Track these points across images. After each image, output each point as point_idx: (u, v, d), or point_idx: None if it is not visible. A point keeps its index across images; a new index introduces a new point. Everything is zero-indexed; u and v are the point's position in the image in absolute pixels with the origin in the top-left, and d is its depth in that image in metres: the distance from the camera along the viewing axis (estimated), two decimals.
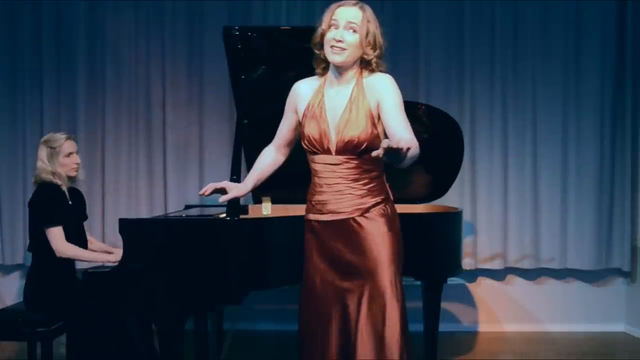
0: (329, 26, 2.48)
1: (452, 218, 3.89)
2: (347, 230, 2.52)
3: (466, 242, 4.77)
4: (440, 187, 4.26)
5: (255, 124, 3.49)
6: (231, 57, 3.57)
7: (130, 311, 3.20)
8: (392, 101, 2.48)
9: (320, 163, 2.54)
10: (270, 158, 2.74)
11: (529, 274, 5.14)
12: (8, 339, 3.59)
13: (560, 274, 5.13)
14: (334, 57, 2.47)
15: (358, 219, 2.52)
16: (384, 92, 2.49)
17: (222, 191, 2.66)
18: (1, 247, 5.06)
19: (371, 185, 2.53)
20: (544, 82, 5.01)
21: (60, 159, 3.54)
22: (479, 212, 5.03)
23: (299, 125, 2.61)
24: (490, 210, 5.02)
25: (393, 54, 4.97)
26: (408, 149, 2.11)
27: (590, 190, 5.01)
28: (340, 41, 2.45)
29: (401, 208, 4.15)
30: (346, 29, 2.46)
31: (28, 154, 4.99)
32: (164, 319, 3.08)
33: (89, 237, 3.80)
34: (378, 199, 2.54)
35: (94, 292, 3.08)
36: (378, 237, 2.51)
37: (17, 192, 5.04)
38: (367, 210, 2.52)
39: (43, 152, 3.55)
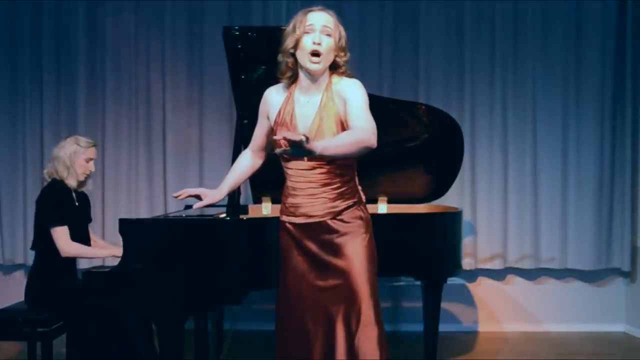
0: (304, 32, 2.49)
1: (452, 218, 3.89)
2: (320, 232, 2.56)
3: (466, 242, 4.77)
4: (440, 187, 4.26)
5: (255, 124, 3.48)
6: (231, 57, 3.56)
7: (130, 311, 3.20)
8: (355, 99, 2.49)
9: (292, 168, 2.57)
10: (246, 163, 2.78)
11: (529, 274, 5.14)
12: (8, 339, 3.59)
13: (560, 274, 5.13)
14: (313, 66, 2.49)
15: (330, 221, 2.55)
16: (350, 94, 2.51)
17: (198, 196, 2.71)
18: (1, 247, 5.07)
19: (343, 189, 2.57)
20: (544, 82, 5.02)
21: (81, 159, 3.59)
22: (479, 212, 5.03)
23: (271, 131, 2.65)
24: (490, 210, 5.03)
25: (393, 54, 5.00)
26: (298, 140, 2.12)
27: (590, 190, 5.01)
28: (319, 44, 2.47)
29: (401, 208, 4.21)
30: (322, 33, 2.49)
31: (28, 154, 5.01)
32: (164, 319, 3.08)
33: (94, 238, 3.82)
34: (350, 202, 2.58)
35: (94, 292, 3.08)
36: (351, 238, 2.55)
37: (17, 193, 5.05)
38: (340, 213, 2.56)
39: (70, 146, 3.59)
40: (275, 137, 2.18)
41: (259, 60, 3.67)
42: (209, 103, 5.04)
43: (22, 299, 3.59)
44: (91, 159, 3.65)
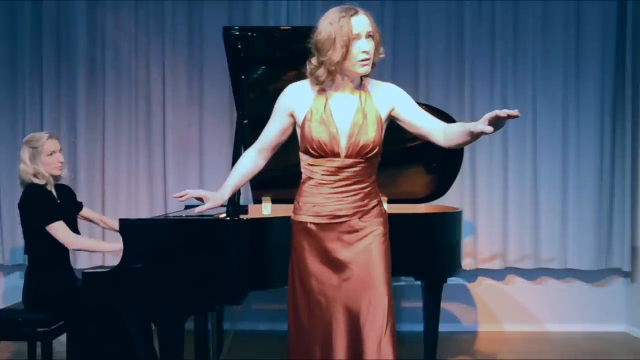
0: (351, 39, 2.44)
1: (452, 218, 3.89)
2: (344, 232, 2.54)
3: (466, 242, 4.77)
4: (440, 187, 4.26)
5: (255, 124, 3.49)
6: (231, 57, 3.56)
7: (130, 311, 3.20)
8: (412, 102, 2.59)
9: (324, 166, 2.53)
10: (250, 164, 2.70)
11: (529, 274, 5.14)
12: (8, 339, 3.59)
13: (560, 274, 5.13)
14: (363, 69, 2.49)
15: (357, 220, 2.54)
16: (400, 98, 2.59)
17: (200, 199, 2.68)
18: (1, 247, 5.07)
19: (370, 188, 2.57)
20: (544, 82, 5.02)
21: (43, 158, 3.47)
22: (479, 212, 5.03)
23: (289, 129, 2.62)
24: (490, 210, 5.03)
25: (393, 53, 5.00)
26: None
27: (590, 190, 5.01)
28: (367, 52, 2.46)
29: (402, 208, 4.21)
30: (366, 38, 2.47)
31: None
32: (164, 319, 3.08)
33: (101, 217, 3.81)
34: (375, 201, 2.59)
35: (94, 292, 3.08)
36: (373, 237, 2.55)
37: (17, 192, 5.00)
38: (367, 212, 2.55)
39: (25, 153, 3.48)
40: (498, 113, 2.21)
41: (259, 60, 3.68)
42: (209, 103, 5.04)
43: (22, 299, 3.59)
44: (54, 152, 3.49)
